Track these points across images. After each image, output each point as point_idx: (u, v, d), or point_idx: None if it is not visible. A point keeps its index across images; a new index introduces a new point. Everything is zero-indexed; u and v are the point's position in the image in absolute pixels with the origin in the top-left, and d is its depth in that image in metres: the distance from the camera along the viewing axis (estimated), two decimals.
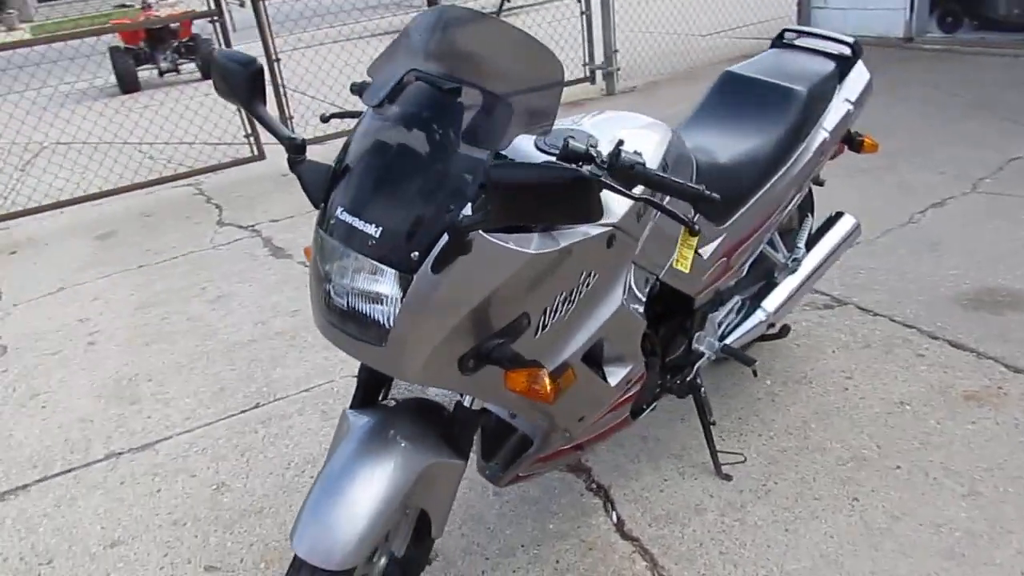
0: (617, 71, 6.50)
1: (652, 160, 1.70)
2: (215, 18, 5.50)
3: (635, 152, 1.40)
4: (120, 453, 2.69)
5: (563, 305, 1.54)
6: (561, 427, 1.77)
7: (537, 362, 1.47)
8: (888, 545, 1.96)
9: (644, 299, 1.80)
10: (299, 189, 1.54)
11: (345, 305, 1.40)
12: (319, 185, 1.48)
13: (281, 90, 5.70)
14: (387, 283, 1.35)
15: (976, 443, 2.25)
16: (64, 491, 2.53)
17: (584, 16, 6.39)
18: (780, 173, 2.17)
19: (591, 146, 1.42)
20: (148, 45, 10.22)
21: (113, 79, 10.01)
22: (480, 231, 1.31)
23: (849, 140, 2.45)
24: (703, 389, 2.23)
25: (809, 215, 2.53)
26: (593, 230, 1.54)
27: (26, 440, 2.83)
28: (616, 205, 1.59)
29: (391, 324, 1.36)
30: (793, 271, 2.41)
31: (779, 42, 2.51)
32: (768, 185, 2.14)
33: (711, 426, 2.25)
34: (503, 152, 1.45)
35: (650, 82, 6.90)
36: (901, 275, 3.18)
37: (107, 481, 2.55)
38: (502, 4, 12.66)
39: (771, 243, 2.39)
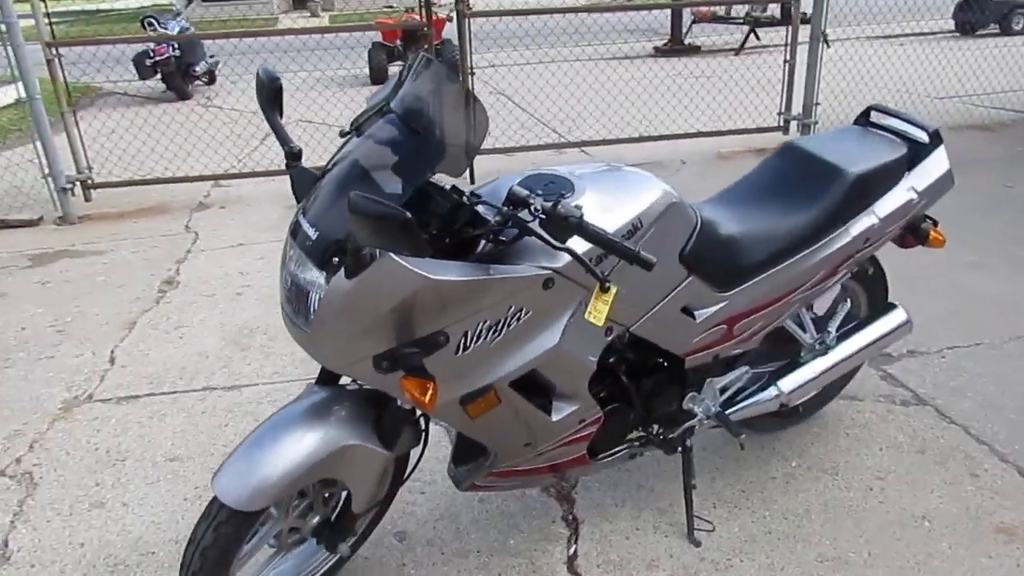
0: (815, 124, 6.25)
1: (619, 218, 1.78)
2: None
3: (576, 206, 1.54)
4: (214, 388, 3.16)
5: (488, 333, 1.68)
6: (503, 447, 1.91)
7: (431, 375, 1.62)
8: None
9: (600, 347, 1.87)
10: None
11: (289, 292, 1.66)
12: (305, 188, 1.75)
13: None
14: (315, 279, 1.58)
15: None
16: (160, 407, 3.03)
17: (787, 64, 6.22)
18: (805, 252, 2.12)
19: (536, 194, 1.58)
20: (403, 44, 11.30)
21: (367, 71, 11.16)
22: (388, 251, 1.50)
23: (914, 230, 2.31)
24: (689, 447, 2.23)
25: (847, 300, 2.41)
26: (528, 271, 1.67)
27: (155, 360, 3.41)
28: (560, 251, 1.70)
29: (313, 314, 1.59)
30: (821, 354, 2.32)
31: (862, 119, 2.42)
32: (788, 262, 2.10)
33: (692, 489, 2.25)
34: (477, 192, 1.66)
35: None
36: (1004, 387, 2.88)
37: (194, 408, 3.03)
38: (744, 41, 12.49)
39: (799, 321, 2.33)
